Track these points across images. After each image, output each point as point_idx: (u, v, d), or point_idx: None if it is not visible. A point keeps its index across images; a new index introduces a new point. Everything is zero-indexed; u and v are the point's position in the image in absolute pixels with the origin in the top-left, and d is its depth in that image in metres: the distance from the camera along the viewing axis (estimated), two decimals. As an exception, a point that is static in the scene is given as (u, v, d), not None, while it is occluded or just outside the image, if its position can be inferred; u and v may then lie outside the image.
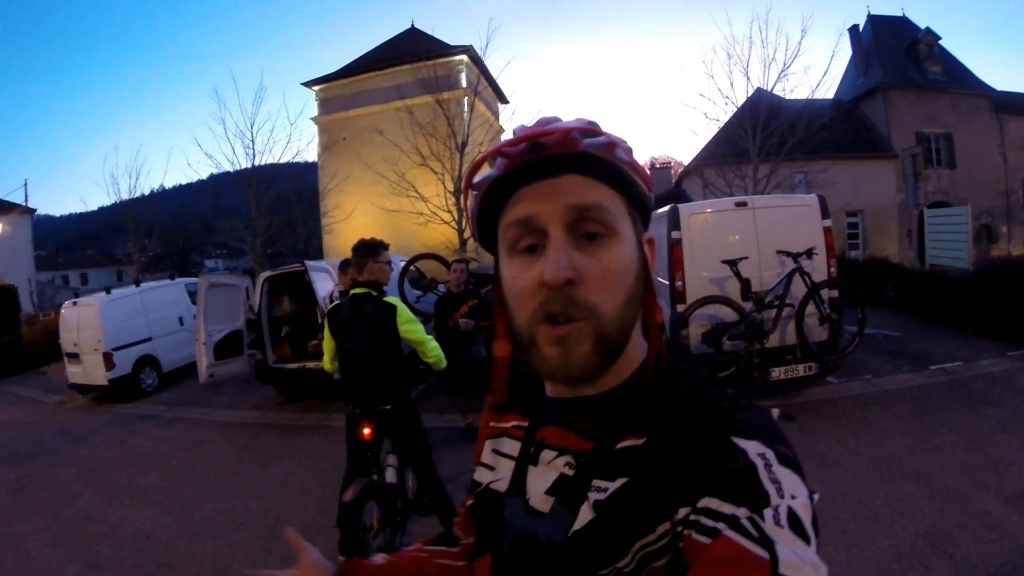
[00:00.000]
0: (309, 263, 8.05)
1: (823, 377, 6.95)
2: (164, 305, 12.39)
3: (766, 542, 0.53)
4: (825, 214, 6.81)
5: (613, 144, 0.70)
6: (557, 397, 0.78)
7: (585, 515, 0.67)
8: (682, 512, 0.60)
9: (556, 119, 0.73)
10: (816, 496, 0.59)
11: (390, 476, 3.93)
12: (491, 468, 0.86)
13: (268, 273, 9.58)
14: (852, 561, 3.60)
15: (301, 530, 3.83)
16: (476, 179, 0.75)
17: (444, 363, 4.26)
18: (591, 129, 0.70)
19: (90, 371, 10.92)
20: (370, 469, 3.83)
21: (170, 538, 5.01)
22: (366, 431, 3.77)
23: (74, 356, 11.19)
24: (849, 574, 3.51)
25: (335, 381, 7.83)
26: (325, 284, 7.46)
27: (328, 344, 4.08)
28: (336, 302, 4.21)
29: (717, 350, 6.37)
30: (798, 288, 6.38)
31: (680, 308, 6.50)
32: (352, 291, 4.00)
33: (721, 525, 0.56)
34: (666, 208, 6.98)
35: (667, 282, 6.79)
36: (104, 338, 10.72)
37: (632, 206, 0.73)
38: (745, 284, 6.30)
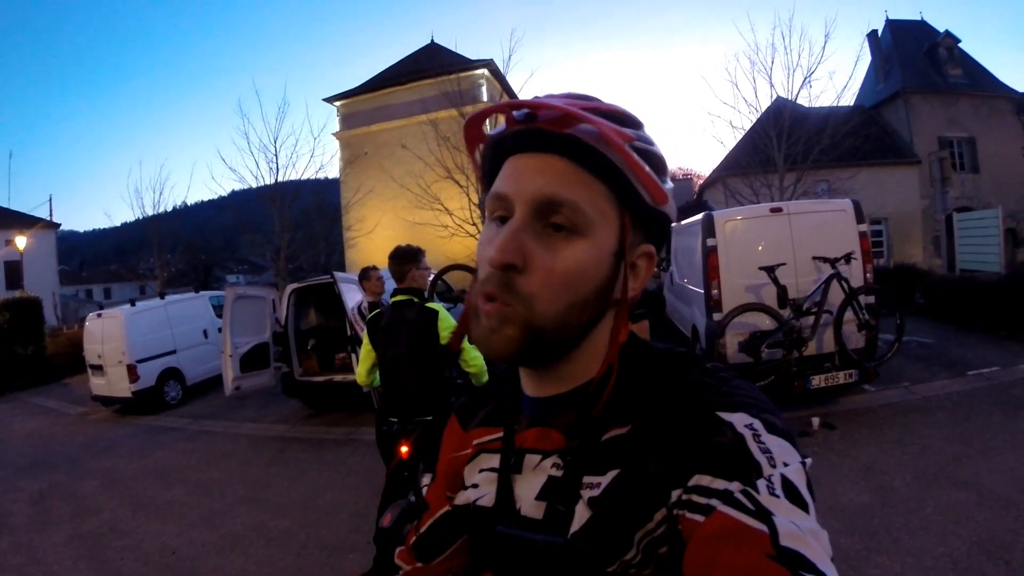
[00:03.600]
0: (338, 274, 8.05)
1: (861, 385, 6.85)
2: (189, 318, 12.44)
3: (763, 514, 0.52)
4: (860, 219, 6.71)
5: (607, 138, 0.62)
6: (535, 396, 0.75)
7: (582, 514, 0.65)
8: (675, 494, 0.59)
9: (591, 98, 0.68)
10: (808, 461, 0.59)
11: None
12: (474, 486, 0.82)
13: (295, 285, 9.61)
14: (908, 571, 3.53)
15: (333, 547, 3.80)
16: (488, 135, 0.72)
17: (486, 376, 4.02)
18: (597, 109, 0.65)
19: (114, 383, 11.00)
20: (407, 489, 3.71)
21: (197, 554, 4.95)
22: (403, 449, 3.65)
23: (98, 368, 11.27)
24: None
25: (364, 394, 7.79)
26: (354, 296, 7.43)
27: (366, 354, 3.96)
28: (377, 311, 4.12)
29: (756, 359, 6.27)
30: (835, 294, 6.27)
31: (717, 317, 6.43)
32: (393, 299, 3.92)
33: (714, 501, 0.55)
34: (699, 216, 6.92)
35: (702, 291, 6.71)
36: (129, 350, 10.79)
37: (626, 208, 0.67)
38: (782, 291, 6.21)
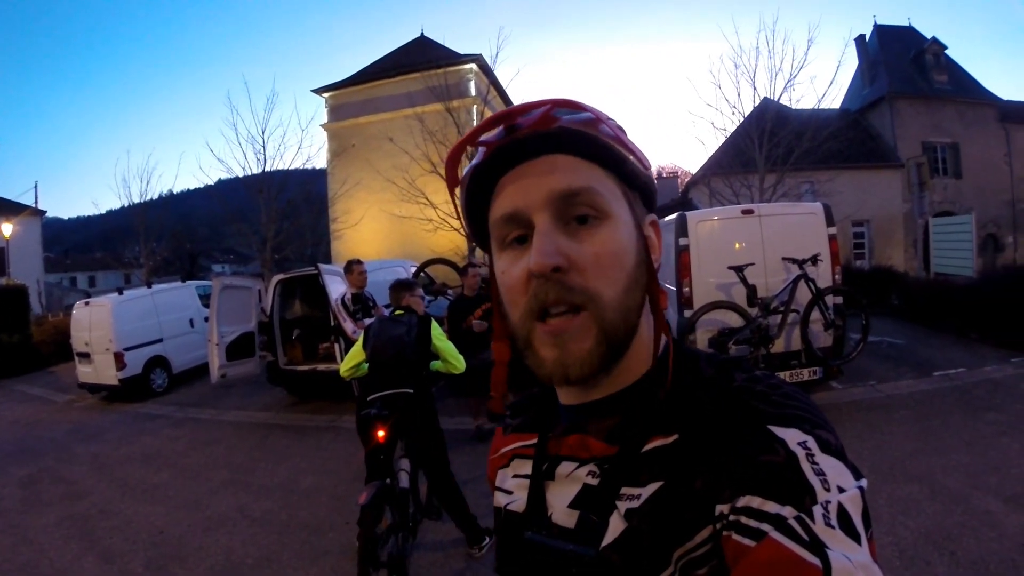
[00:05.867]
0: (323, 267, 8.16)
1: (827, 382, 7.10)
2: (175, 307, 12.51)
3: (817, 546, 0.50)
4: (830, 222, 6.90)
5: (597, 119, 0.65)
6: (572, 404, 0.73)
7: (617, 526, 0.63)
8: (719, 510, 0.56)
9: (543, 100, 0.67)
10: (864, 482, 0.56)
11: (403, 480, 4.00)
12: (508, 492, 0.81)
13: (280, 276, 9.71)
14: (855, 557, 3.72)
15: (313, 526, 3.96)
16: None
17: (463, 363, 4.43)
18: (573, 104, 0.66)
19: (101, 370, 11.04)
20: (384, 472, 3.92)
21: (183, 533, 5.09)
22: (380, 433, 3.85)
23: (85, 356, 11.30)
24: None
25: (347, 383, 7.97)
26: (338, 287, 7.57)
27: (355, 354, 4.29)
28: (372, 320, 4.63)
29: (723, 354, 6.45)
30: (803, 294, 6.48)
31: (688, 313, 6.62)
32: (393, 313, 4.45)
33: (766, 526, 0.52)
34: (673, 216, 7.09)
35: (674, 288, 6.90)
36: (116, 338, 10.84)
37: (627, 185, 0.69)
38: (751, 290, 6.41)
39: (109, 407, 10.86)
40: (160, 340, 11.79)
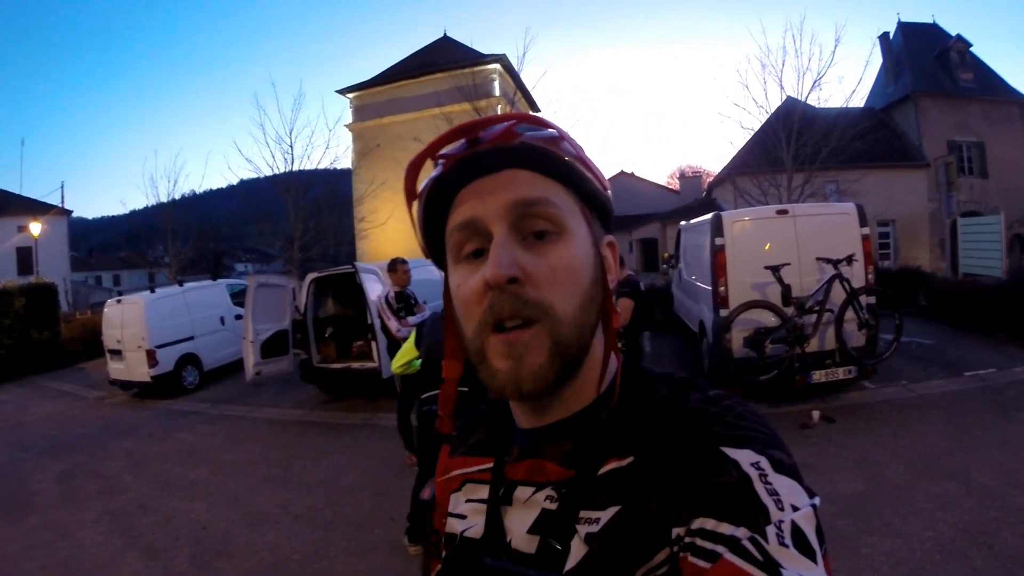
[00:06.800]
0: (359, 265, 8.27)
1: (860, 381, 7.12)
2: (206, 305, 12.60)
3: (771, 566, 0.50)
4: (863, 222, 6.95)
5: (559, 137, 0.65)
6: (529, 428, 0.72)
7: (579, 550, 0.62)
8: (675, 532, 0.57)
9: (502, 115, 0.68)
10: (817, 500, 0.56)
11: None
12: (462, 517, 0.79)
13: (314, 275, 9.80)
14: (897, 551, 3.79)
15: (358, 523, 4.05)
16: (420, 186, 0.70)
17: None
18: (536, 120, 0.67)
19: (133, 367, 11.14)
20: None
21: (227, 529, 5.12)
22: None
23: (117, 352, 11.39)
24: (895, 563, 3.68)
25: (383, 380, 8.03)
26: (374, 286, 7.66)
27: (407, 351, 4.33)
28: (423, 317, 4.50)
29: (760, 354, 6.53)
30: (837, 294, 6.53)
31: (723, 313, 6.70)
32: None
33: (720, 548, 0.53)
34: (708, 216, 7.15)
35: (710, 287, 6.95)
36: (148, 335, 10.94)
37: (585, 204, 0.68)
38: (786, 289, 6.46)
39: (141, 404, 10.98)
40: (191, 338, 11.89)
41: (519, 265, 0.61)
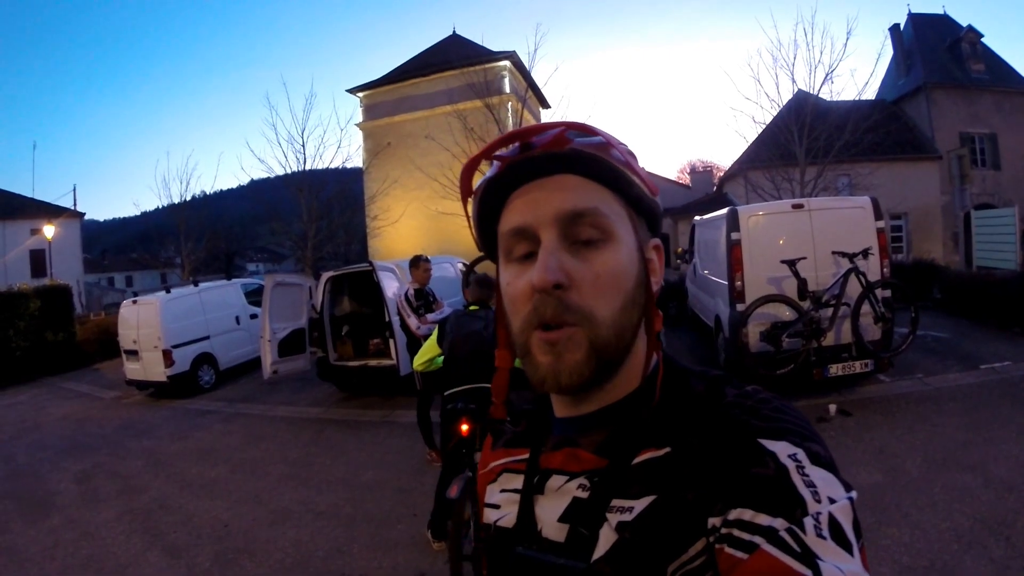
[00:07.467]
0: (377, 263, 8.30)
1: (876, 374, 7.13)
2: (221, 305, 12.63)
3: (808, 557, 0.51)
4: (878, 215, 6.95)
5: (608, 144, 0.68)
6: (566, 416, 0.75)
7: (608, 538, 0.63)
8: (711, 523, 0.57)
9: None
10: (854, 494, 0.56)
11: None
12: (496, 507, 0.82)
13: (331, 273, 9.83)
14: (915, 542, 3.82)
15: (381, 519, 4.11)
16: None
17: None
18: (586, 128, 0.69)
19: (149, 367, 11.17)
20: (464, 466, 3.99)
21: (249, 527, 5.13)
22: (464, 427, 3.94)
23: (133, 353, 11.42)
24: (914, 553, 3.71)
25: (401, 378, 8.05)
26: (391, 284, 7.69)
27: (430, 348, 4.37)
28: (444, 316, 4.58)
29: (776, 348, 6.56)
30: (853, 288, 6.54)
31: (740, 307, 6.72)
32: (468, 308, 4.45)
33: (758, 539, 0.53)
34: (723, 211, 7.16)
35: (726, 282, 6.97)
36: (164, 336, 10.95)
37: (633, 209, 0.71)
38: (803, 283, 6.47)
39: (157, 403, 11.00)
40: (207, 337, 11.91)
41: (565, 271, 0.64)
